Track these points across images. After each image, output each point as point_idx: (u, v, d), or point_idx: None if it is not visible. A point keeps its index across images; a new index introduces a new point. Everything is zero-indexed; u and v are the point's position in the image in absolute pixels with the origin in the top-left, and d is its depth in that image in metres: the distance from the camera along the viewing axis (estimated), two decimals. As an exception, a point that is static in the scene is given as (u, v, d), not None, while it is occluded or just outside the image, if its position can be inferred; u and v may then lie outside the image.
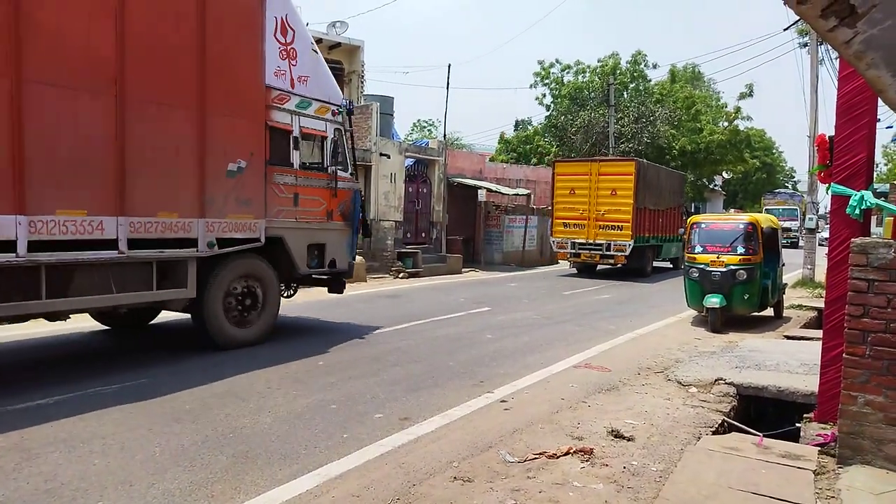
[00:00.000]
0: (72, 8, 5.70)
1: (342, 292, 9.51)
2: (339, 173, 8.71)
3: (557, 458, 4.24)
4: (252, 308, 7.73)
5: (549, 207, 24.69)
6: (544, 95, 38.35)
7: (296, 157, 8.07)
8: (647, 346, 8.36)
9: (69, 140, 5.70)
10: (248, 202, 7.36)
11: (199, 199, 6.82)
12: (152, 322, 8.83)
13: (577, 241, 18.71)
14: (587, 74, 37.29)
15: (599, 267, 19.82)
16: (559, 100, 37.19)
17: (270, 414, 5.13)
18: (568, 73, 37.94)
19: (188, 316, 9.15)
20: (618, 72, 36.01)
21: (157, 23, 6.37)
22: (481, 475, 3.97)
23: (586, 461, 4.20)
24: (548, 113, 37.53)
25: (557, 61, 37.99)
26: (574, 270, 20.17)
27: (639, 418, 5.18)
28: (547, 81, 38.14)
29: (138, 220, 6.24)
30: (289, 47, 7.78)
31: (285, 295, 8.84)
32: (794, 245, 29.23)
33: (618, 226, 18.13)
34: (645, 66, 37.16)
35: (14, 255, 5.34)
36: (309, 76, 8.13)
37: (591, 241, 18.51)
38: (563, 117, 34.23)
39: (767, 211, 38.12)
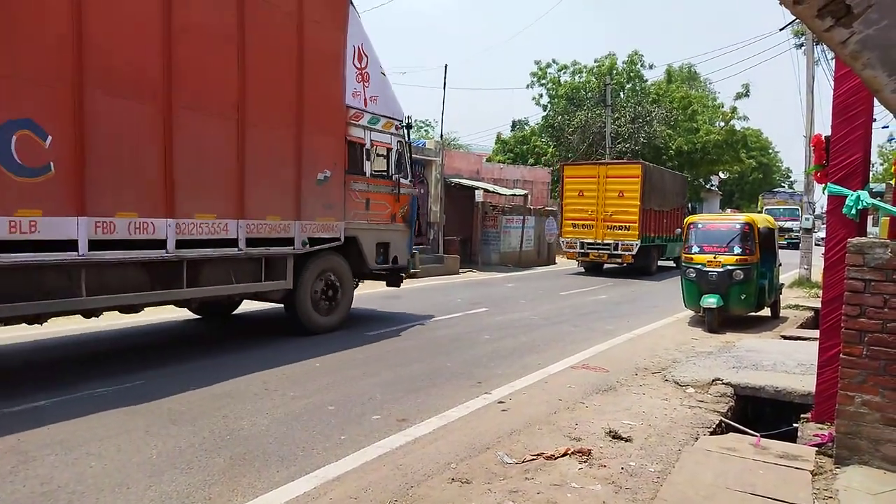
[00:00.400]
0: (208, 49, 6.76)
1: (399, 286, 10.60)
2: (402, 181, 9.78)
3: (555, 459, 4.24)
4: (333, 298, 8.80)
5: (547, 207, 24.79)
6: (541, 96, 38.44)
7: (367, 167, 9.15)
8: (644, 347, 8.37)
9: (204, 154, 6.74)
10: (331, 206, 8.45)
11: (296, 204, 7.90)
12: (152, 322, 8.83)
13: (585, 241, 19.19)
14: (584, 75, 37.36)
15: (605, 266, 20.16)
16: (556, 100, 37.24)
17: (268, 416, 5.13)
18: (564, 73, 38.04)
19: (187, 316, 9.28)
20: (614, 72, 36.07)
21: (268, 57, 7.42)
22: (479, 476, 3.96)
23: (584, 462, 4.20)
24: (545, 113, 37.58)
25: (554, 62, 38.10)
26: (573, 270, 20.44)
27: (636, 419, 5.18)
28: (544, 82, 38.19)
29: (252, 222, 7.32)
30: (363, 71, 8.90)
31: None
32: (796, 246, 28.79)
33: (625, 226, 18.54)
34: (641, 66, 37.27)
35: (164, 251, 6.37)
36: (378, 95, 9.23)
37: (599, 241, 18.96)
38: (559, 117, 34.31)
39: (767, 211, 37.85)
